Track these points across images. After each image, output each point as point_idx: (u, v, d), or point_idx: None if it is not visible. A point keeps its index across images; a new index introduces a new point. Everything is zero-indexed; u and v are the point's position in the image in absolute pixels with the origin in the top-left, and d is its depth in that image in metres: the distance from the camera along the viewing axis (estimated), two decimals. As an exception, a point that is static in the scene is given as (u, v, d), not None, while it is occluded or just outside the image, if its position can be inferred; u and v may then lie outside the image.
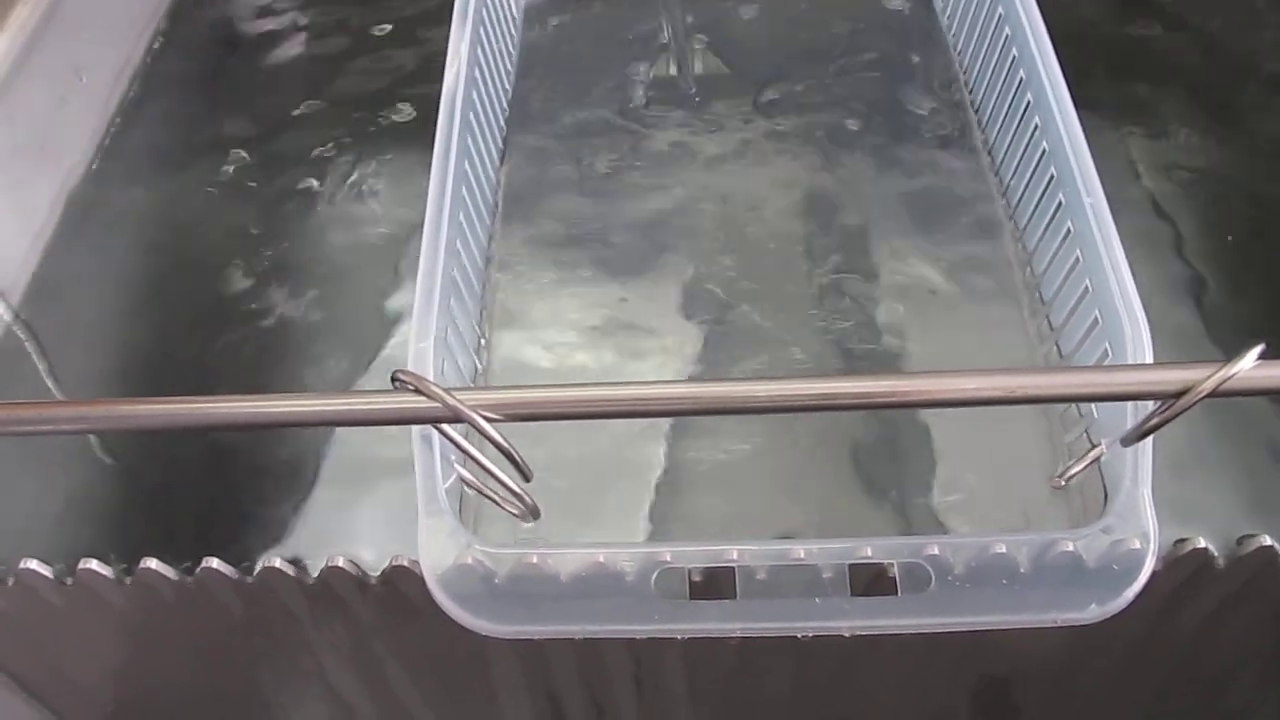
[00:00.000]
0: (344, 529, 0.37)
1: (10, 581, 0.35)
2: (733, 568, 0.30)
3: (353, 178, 0.49)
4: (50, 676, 0.41)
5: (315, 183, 0.49)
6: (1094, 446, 0.32)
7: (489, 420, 0.26)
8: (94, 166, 0.51)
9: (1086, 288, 0.36)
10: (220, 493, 0.39)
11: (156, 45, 0.57)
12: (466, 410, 0.26)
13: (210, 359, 0.43)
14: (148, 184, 0.50)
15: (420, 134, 0.50)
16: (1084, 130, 0.38)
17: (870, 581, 0.30)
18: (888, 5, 0.55)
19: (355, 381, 0.41)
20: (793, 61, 0.53)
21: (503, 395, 0.27)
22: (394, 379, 0.27)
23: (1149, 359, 0.32)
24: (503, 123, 0.50)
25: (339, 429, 0.39)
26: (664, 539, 0.36)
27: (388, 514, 0.37)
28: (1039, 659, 0.37)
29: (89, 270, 0.47)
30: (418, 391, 0.27)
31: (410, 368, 0.32)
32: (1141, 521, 0.30)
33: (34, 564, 0.35)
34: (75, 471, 0.40)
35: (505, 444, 0.27)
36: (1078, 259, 0.37)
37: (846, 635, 0.30)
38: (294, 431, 0.39)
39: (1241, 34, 0.52)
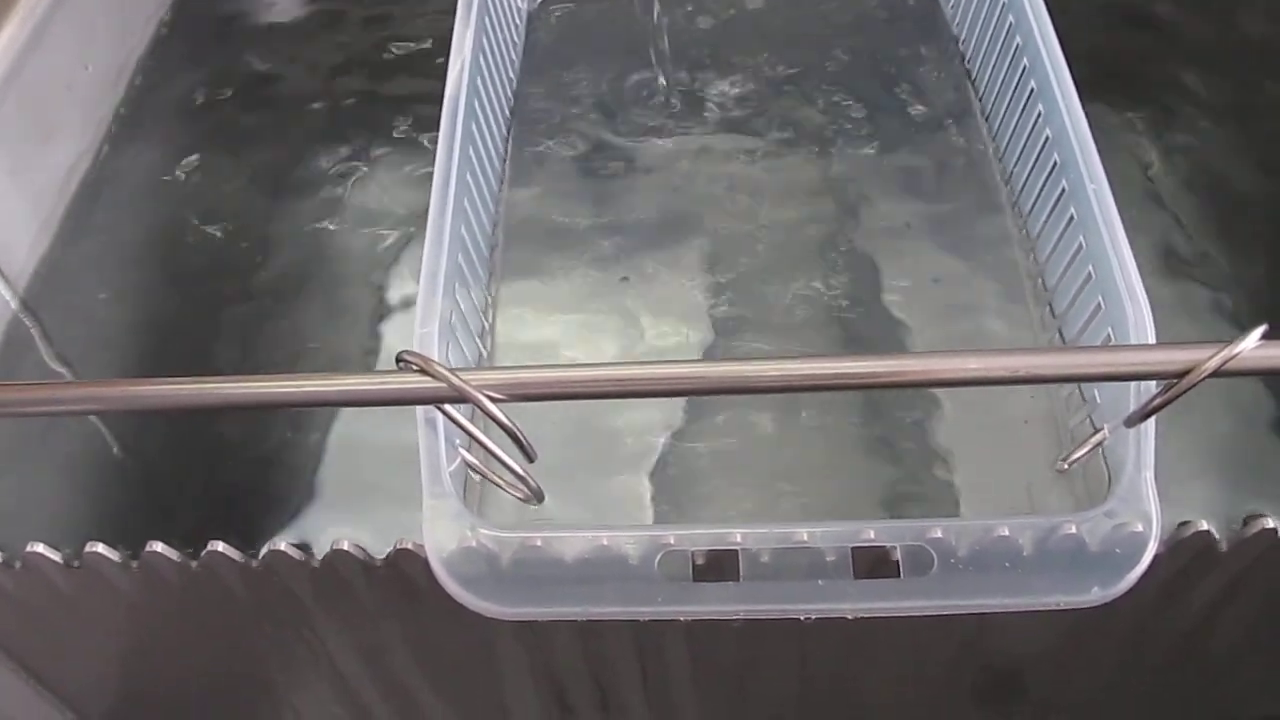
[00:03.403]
0: (349, 511, 0.37)
1: (17, 565, 0.36)
2: (736, 550, 0.30)
3: (360, 162, 0.49)
4: (57, 660, 0.42)
5: (322, 165, 0.49)
6: (1097, 430, 0.32)
7: (494, 400, 0.27)
8: (100, 153, 0.51)
9: (1089, 274, 0.36)
10: (226, 476, 0.39)
11: (162, 33, 0.57)
12: (471, 390, 0.26)
13: (217, 342, 0.43)
14: (154, 170, 0.50)
15: (428, 119, 0.50)
16: (1087, 116, 0.38)
17: (873, 564, 0.30)
18: (892, -7, 0.55)
19: (361, 365, 0.42)
20: (797, 50, 0.53)
21: (507, 375, 0.27)
22: (399, 359, 0.27)
23: (1152, 343, 0.32)
24: (508, 111, 0.50)
25: (344, 410, 0.39)
26: (667, 521, 0.36)
27: (392, 497, 0.37)
28: (1041, 642, 0.37)
29: (95, 256, 0.47)
30: (423, 372, 0.27)
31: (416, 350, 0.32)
32: (1144, 505, 0.30)
33: (40, 548, 0.35)
34: (81, 455, 0.40)
35: (510, 424, 0.27)
36: (1080, 245, 0.37)
37: (849, 618, 0.30)
38: (299, 413, 0.39)
39: (1253, 19, 0.52)
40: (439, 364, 0.26)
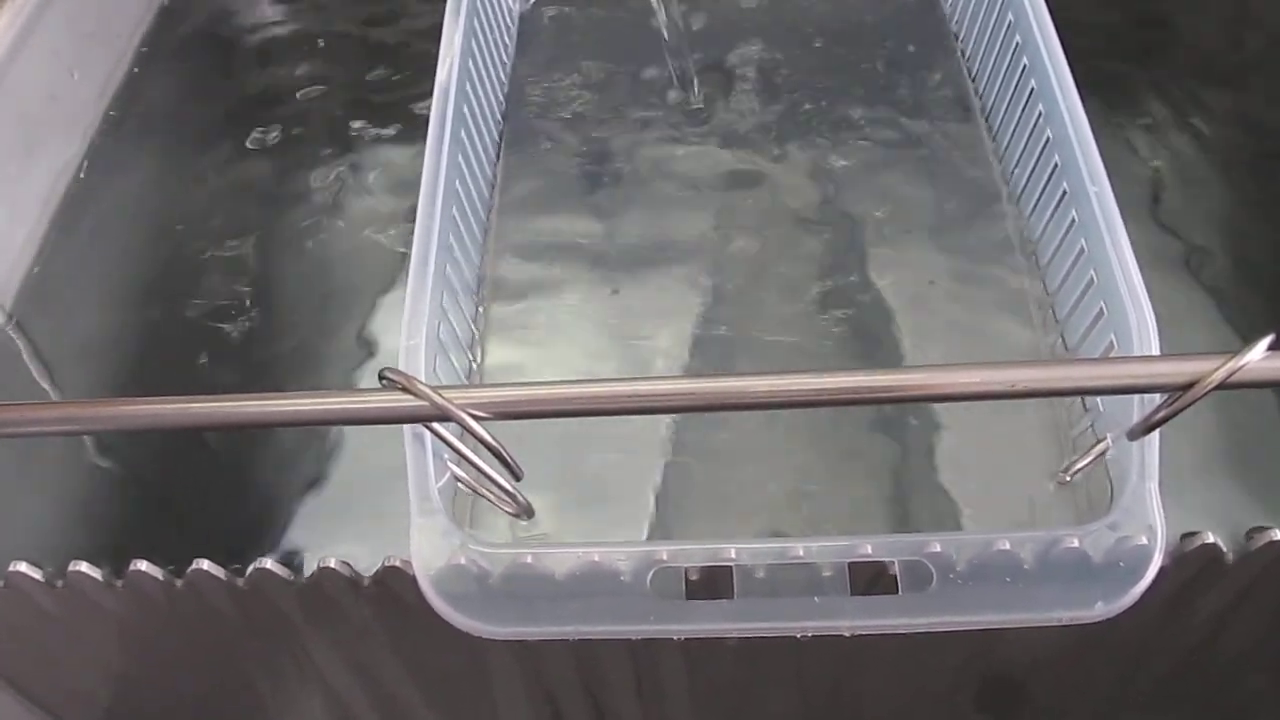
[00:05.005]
0: (336, 528, 0.36)
1: (0, 584, 0.35)
2: (730, 566, 0.30)
3: (348, 171, 0.49)
4: (45, 678, 0.41)
5: (310, 177, 0.49)
6: (1100, 441, 0.32)
7: (478, 419, 0.26)
8: (86, 164, 0.50)
9: (1091, 278, 0.35)
10: (212, 492, 0.38)
11: (148, 42, 0.56)
12: (454, 409, 0.26)
13: (207, 356, 0.42)
14: (140, 181, 0.50)
15: (419, 126, 0.49)
16: (1088, 117, 0.37)
17: (871, 580, 0.30)
18: (889, -7, 0.55)
19: (351, 380, 0.41)
20: (793, 50, 0.52)
21: (492, 393, 0.26)
22: (381, 377, 0.26)
23: (1155, 350, 0.31)
24: (499, 116, 0.49)
25: (331, 428, 0.39)
26: (661, 537, 0.36)
27: (381, 513, 0.36)
28: (1044, 658, 0.36)
29: (82, 269, 0.46)
30: (405, 390, 0.26)
31: (401, 366, 0.32)
32: (1148, 517, 0.29)
33: (24, 566, 0.34)
34: (66, 473, 0.39)
35: (494, 443, 0.26)
36: (1082, 249, 0.36)
37: (847, 635, 0.29)
38: (286, 430, 0.39)
39: (1256, 19, 0.51)
40: (421, 382, 0.26)
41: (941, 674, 0.37)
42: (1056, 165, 0.39)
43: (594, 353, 0.41)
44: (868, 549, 0.29)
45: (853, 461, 0.37)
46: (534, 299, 0.43)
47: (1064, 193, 0.38)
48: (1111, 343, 0.33)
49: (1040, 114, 0.41)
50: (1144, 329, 0.32)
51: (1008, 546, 0.29)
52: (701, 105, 0.50)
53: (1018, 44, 0.43)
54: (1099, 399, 0.35)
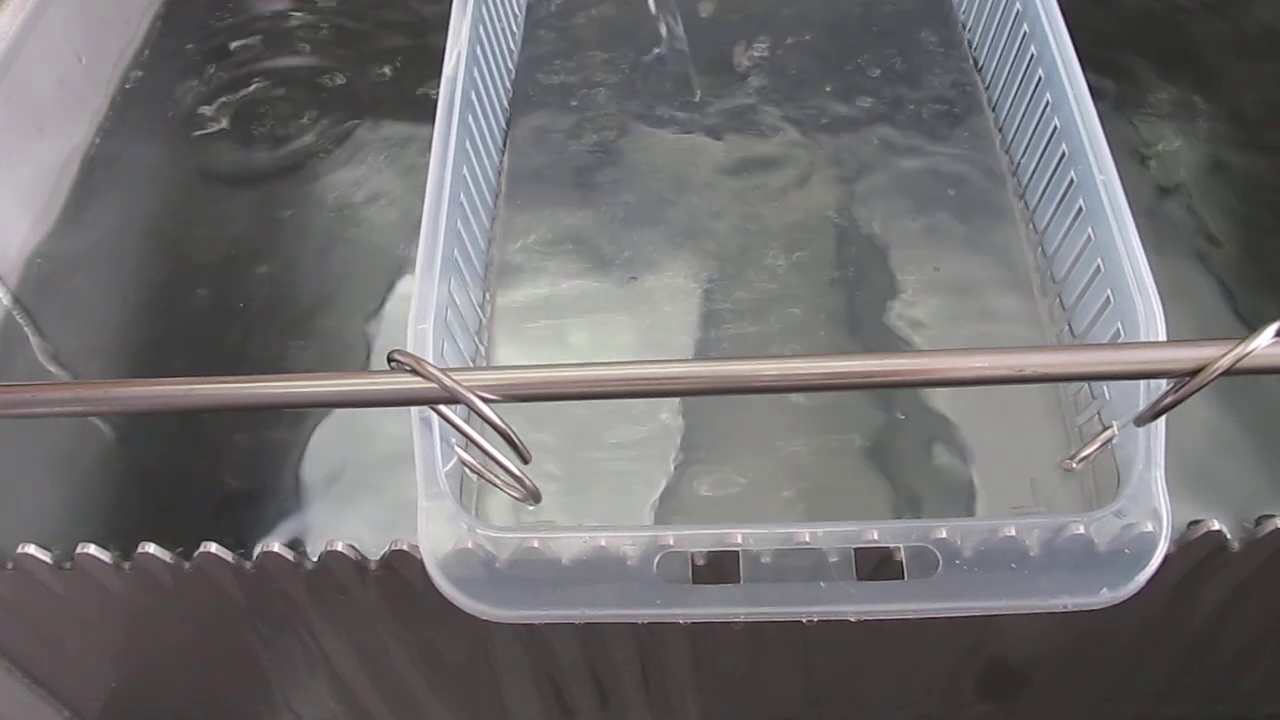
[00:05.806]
0: (343, 512, 0.36)
1: (9, 566, 0.35)
2: (737, 551, 0.30)
3: (357, 155, 0.49)
4: (53, 659, 0.41)
5: (318, 161, 0.49)
6: (1106, 428, 0.32)
7: (486, 401, 0.26)
8: (93, 148, 0.50)
9: (1098, 267, 0.35)
10: (220, 475, 0.38)
11: (156, 27, 0.56)
12: (463, 391, 0.26)
13: (215, 339, 0.42)
14: (147, 165, 0.50)
15: (429, 109, 0.49)
16: (1096, 105, 0.37)
17: (877, 565, 0.30)
18: (897, -19, 0.54)
19: (358, 364, 0.41)
20: (800, 39, 0.52)
21: (500, 376, 0.26)
22: (390, 359, 0.26)
23: (1162, 339, 0.31)
24: (506, 104, 0.49)
25: (339, 410, 0.39)
26: (667, 522, 0.36)
27: (388, 497, 0.36)
28: (1049, 644, 0.36)
29: (88, 252, 0.46)
30: (414, 372, 0.26)
31: (410, 349, 0.32)
32: (1154, 504, 0.29)
33: (32, 549, 0.35)
34: (73, 455, 0.39)
35: (503, 425, 0.27)
36: (1089, 238, 0.36)
37: (852, 620, 0.29)
38: (294, 411, 0.39)
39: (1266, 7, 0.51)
40: (430, 364, 0.26)
41: (946, 660, 0.37)
42: (1064, 154, 0.39)
43: (598, 341, 0.41)
44: (874, 534, 0.29)
45: (859, 447, 0.37)
46: (541, 286, 0.43)
47: (1071, 181, 0.38)
48: (1118, 331, 0.33)
49: (1048, 102, 0.41)
50: (1151, 317, 0.32)
51: (1013, 533, 0.29)
52: (698, 97, 0.50)
53: (1025, 32, 0.43)
54: (1106, 386, 0.35)
